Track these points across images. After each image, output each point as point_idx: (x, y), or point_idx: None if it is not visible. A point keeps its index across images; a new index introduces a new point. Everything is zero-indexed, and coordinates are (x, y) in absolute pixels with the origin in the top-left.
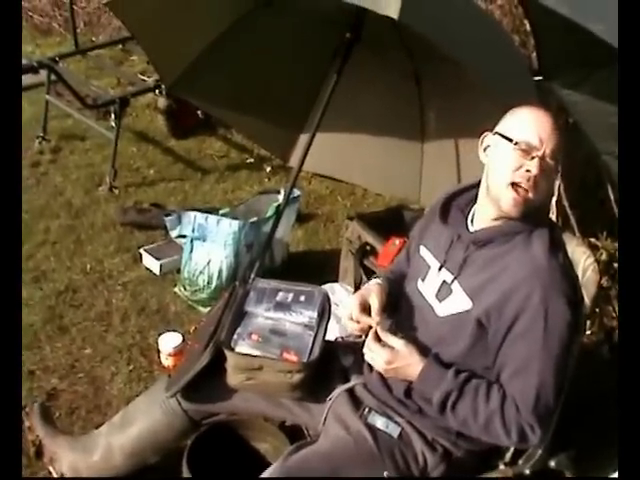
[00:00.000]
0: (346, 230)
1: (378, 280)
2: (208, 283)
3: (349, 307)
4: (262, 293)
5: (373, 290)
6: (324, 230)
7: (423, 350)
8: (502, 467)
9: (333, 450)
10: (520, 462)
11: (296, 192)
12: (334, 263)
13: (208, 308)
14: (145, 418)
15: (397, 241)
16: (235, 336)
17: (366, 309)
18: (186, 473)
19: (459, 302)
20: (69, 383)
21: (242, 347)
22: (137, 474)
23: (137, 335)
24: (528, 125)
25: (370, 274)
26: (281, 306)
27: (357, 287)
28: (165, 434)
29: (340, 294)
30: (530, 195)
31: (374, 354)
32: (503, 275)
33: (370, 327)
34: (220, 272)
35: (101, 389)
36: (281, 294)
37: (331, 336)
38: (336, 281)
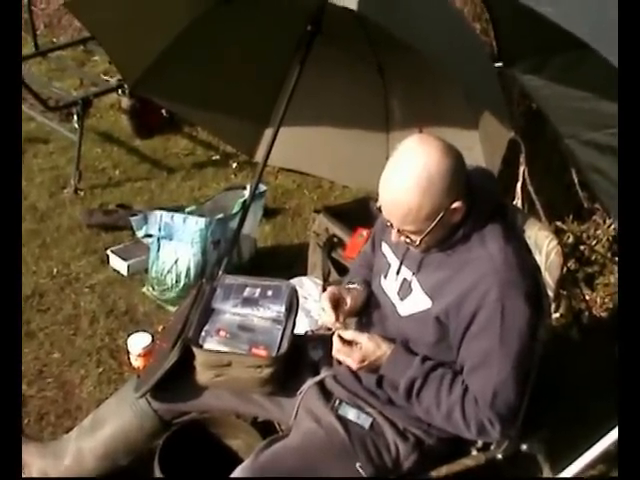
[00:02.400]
0: (313, 223)
1: (357, 286)
2: (176, 282)
3: (323, 304)
4: (229, 289)
5: (351, 294)
6: (292, 224)
7: (391, 342)
8: (475, 453)
9: (305, 443)
10: (492, 447)
11: (262, 187)
12: (303, 257)
13: (177, 307)
14: (115, 420)
15: (364, 232)
16: (203, 333)
17: (336, 308)
18: (158, 473)
19: (419, 301)
20: (38, 389)
21: (210, 344)
22: (109, 476)
23: (106, 337)
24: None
25: (338, 266)
26: (249, 301)
27: (325, 280)
28: (136, 435)
29: (309, 287)
30: (416, 247)
31: (344, 357)
32: (460, 274)
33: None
34: (188, 270)
35: (71, 393)
36: (248, 289)
37: (301, 330)
38: (305, 275)
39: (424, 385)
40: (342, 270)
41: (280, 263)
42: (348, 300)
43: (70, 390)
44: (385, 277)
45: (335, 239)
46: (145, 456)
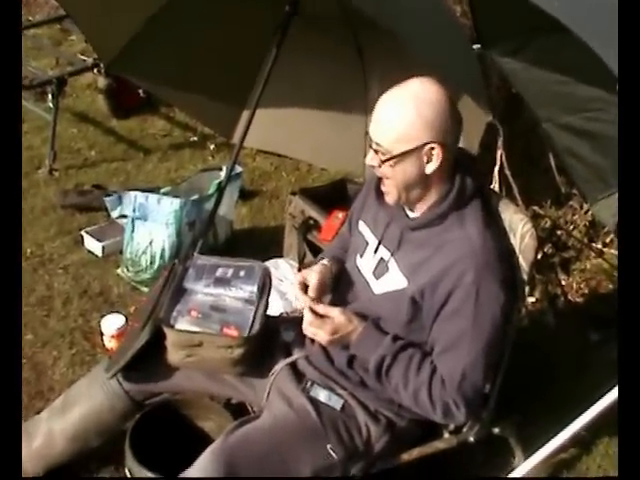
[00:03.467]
0: (289, 205)
1: (324, 261)
2: (151, 263)
3: (295, 286)
4: (201, 269)
5: (315, 269)
6: (269, 206)
7: (362, 319)
8: (447, 436)
9: (275, 425)
10: (464, 430)
11: (238, 169)
12: (279, 239)
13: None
14: (86, 401)
15: (340, 214)
16: (174, 313)
17: (306, 287)
18: (129, 455)
19: (395, 280)
20: None
21: (181, 324)
22: (80, 458)
23: (79, 318)
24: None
25: (314, 248)
26: (221, 282)
27: (301, 262)
28: (107, 416)
29: (284, 269)
30: (387, 186)
31: (314, 329)
32: (438, 255)
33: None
34: (163, 251)
35: (43, 374)
36: (220, 270)
37: (275, 311)
38: (281, 257)
39: (393, 364)
40: (317, 252)
41: (256, 245)
42: (314, 275)
43: (43, 371)
44: (361, 256)
45: (311, 221)
46: (117, 437)
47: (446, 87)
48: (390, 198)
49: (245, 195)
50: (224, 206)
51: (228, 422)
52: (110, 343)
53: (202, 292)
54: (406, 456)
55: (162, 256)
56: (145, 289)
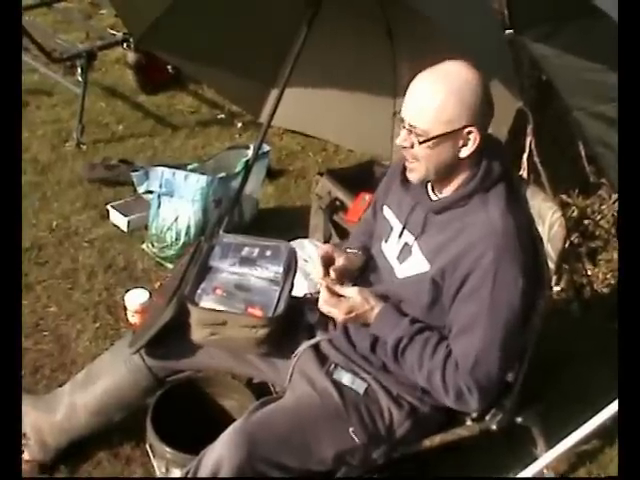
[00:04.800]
0: (316, 186)
1: (355, 251)
2: (176, 239)
3: (316, 264)
4: (227, 248)
5: (344, 255)
6: (295, 186)
7: (380, 299)
8: (469, 423)
9: (298, 406)
10: (487, 418)
11: (265, 147)
12: (304, 220)
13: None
14: (109, 375)
15: (367, 197)
16: (199, 291)
17: (327, 266)
18: (150, 431)
19: (417, 264)
20: (34, 341)
21: (206, 302)
22: (102, 433)
23: (104, 292)
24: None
25: (340, 230)
26: (246, 261)
27: (326, 243)
28: (129, 391)
29: (309, 250)
30: (413, 167)
31: (330, 307)
32: (460, 236)
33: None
34: (188, 228)
35: (66, 347)
36: (247, 249)
37: (300, 292)
38: (306, 237)
39: (409, 345)
40: (343, 233)
41: (281, 224)
42: (341, 260)
43: (66, 344)
44: (386, 241)
45: (337, 202)
46: (138, 413)
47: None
48: (415, 176)
49: (272, 174)
50: (250, 184)
51: (250, 401)
52: (133, 318)
53: (227, 271)
54: (428, 442)
55: (187, 233)
56: (169, 265)
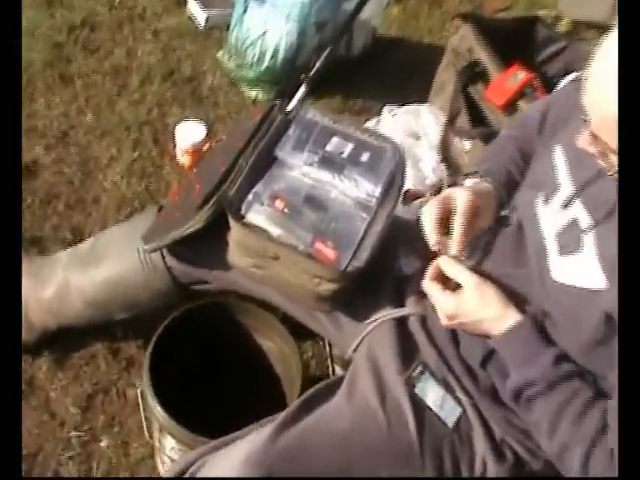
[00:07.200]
0: (454, 35)
1: (483, 180)
2: (259, 60)
3: (424, 218)
4: (308, 132)
5: (465, 192)
6: (427, 15)
7: (515, 305)
8: None
9: (353, 432)
10: None
11: None
12: (429, 67)
13: (254, 91)
14: (116, 262)
15: (521, 74)
16: (250, 196)
17: (444, 225)
18: (146, 374)
19: (587, 270)
20: (56, 157)
21: (256, 215)
22: (98, 328)
23: (155, 109)
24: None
25: (473, 108)
26: (330, 163)
27: (451, 120)
28: (138, 290)
29: (426, 121)
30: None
31: (432, 293)
32: None
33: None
34: (276, 50)
35: (91, 176)
36: (335, 141)
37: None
38: (425, 99)
39: (544, 394)
40: (477, 116)
41: (397, 64)
42: (464, 201)
43: (92, 171)
44: (546, 200)
45: (477, 68)
46: (147, 314)
47: None
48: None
49: None
50: (370, 7)
51: (292, 353)
52: (183, 158)
53: (299, 169)
54: None
55: (274, 56)
56: (245, 89)
